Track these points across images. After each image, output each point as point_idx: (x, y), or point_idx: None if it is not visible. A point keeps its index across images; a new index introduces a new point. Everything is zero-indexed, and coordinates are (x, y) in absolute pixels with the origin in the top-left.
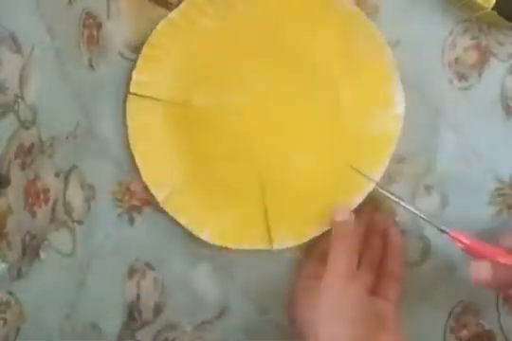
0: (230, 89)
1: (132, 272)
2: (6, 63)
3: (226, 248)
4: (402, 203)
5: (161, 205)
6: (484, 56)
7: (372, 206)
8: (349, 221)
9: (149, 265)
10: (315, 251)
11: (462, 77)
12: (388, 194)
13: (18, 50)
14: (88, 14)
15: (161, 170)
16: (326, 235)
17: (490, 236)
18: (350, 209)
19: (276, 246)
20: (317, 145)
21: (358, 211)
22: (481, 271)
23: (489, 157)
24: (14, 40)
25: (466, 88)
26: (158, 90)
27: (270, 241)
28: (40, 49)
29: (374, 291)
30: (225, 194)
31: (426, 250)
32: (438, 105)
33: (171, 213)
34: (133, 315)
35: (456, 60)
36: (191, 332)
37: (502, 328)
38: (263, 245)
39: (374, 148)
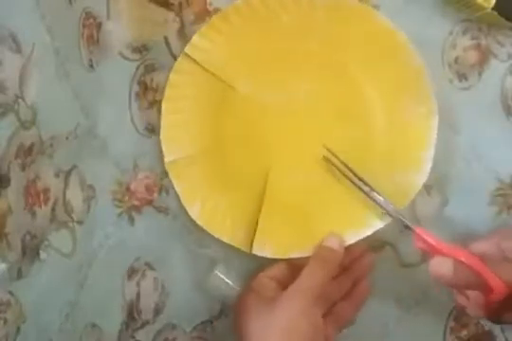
0: (268, 85)
1: (132, 272)
2: (6, 63)
3: (226, 248)
4: (373, 194)
5: (166, 166)
6: (484, 56)
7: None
8: (338, 251)
9: (149, 265)
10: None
11: (462, 77)
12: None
13: (18, 50)
14: (88, 14)
15: (179, 135)
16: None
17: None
18: (343, 241)
19: (255, 251)
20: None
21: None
22: (442, 267)
23: (489, 157)
24: (14, 40)
25: (466, 88)
26: (209, 61)
27: (251, 243)
28: (40, 49)
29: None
30: (226, 179)
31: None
32: (438, 105)
33: (170, 177)
34: (133, 315)
35: (456, 60)
36: (190, 332)
37: (502, 328)
38: (242, 245)
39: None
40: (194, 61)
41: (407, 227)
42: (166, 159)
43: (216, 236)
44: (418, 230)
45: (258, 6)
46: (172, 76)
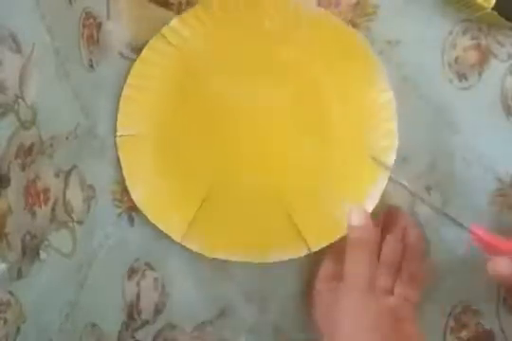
0: (238, 85)
1: (132, 272)
2: (6, 63)
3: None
4: (420, 194)
5: (116, 140)
6: (484, 56)
7: (388, 204)
8: (366, 226)
9: (149, 265)
10: (331, 251)
11: (462, 77)
12: (405, 184)
13: (18, 50)
14: (88, 14)
15: (136, 111)
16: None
17: None
18: (366, 212)
19: (183, 242)
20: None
21: (374, 209)
22: (501, 266)
23: (489, 157)
24: (14, 40)
25: (466, 88)
26: (185, 48)
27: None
28: (40, 49)
29: (393, 290)
30: (174, 165)
31: (426, 250)
32: (438, 105)
33: (118, 152)
34: (133, 315)
35: (456, 60)
36: (190, 332)
37: (502, 328)
38: (173, 233)
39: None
40: (170, 43)
41: (460, 225)
42: (118, 133)
43: (152, 221)
44: (473, 228)
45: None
46: (144, 52)
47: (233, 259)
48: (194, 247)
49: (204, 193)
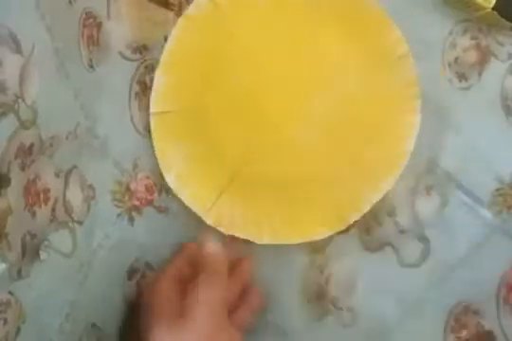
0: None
1: (132, 272)
2: (6, 63)
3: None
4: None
5: (151, 117)
6: (484, 56)
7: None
8: (220, 254)
9: (149, 265)
10: (183, 252)
11: (462, 77)
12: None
13: (18, 50)
14: (88, 14)
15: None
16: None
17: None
18: (219, 244)
19: (210, 222)
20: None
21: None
22: None
23: (489, 157)
24: (14, 40)
25: (466, 88)
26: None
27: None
28: (40, 49)
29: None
30: (205, 141)
31: (426, 250)
32: (438, 105)
33: (152, 129)
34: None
35: (456, 60)
36: None
37: (502, 328)
38: (203, 214)
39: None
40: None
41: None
42: (151, 110)
43: (185, 203)
44: None
45: None
46: (190, 9)
47: (260, 241)
48: (223, 228)
49: (230, 170)
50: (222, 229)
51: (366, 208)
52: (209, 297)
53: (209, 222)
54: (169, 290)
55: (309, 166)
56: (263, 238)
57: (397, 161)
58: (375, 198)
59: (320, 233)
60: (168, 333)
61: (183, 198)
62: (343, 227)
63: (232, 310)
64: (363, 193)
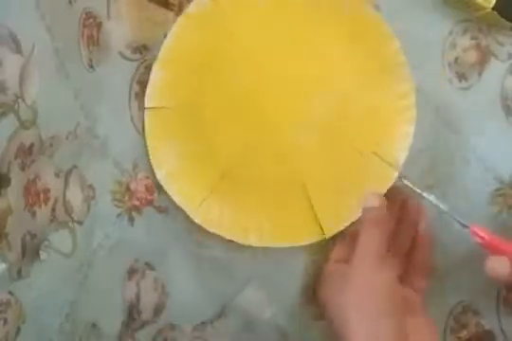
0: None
1: (132, 272)
2: (6, 63)
3: (226, 248)
4: (424, 194)
5: (145, 112)
6: (484, 56)
7: (404, 195)
8: (381, 207)
9: (149, 265)
10: (343, 236)
11: (462, 77)
12: (410, 185)
13: (18, 50)
14: (88, 14)
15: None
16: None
17: None
18: (381, 195)
19: (328, 235)
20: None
21: (391, 198)
22: (498, 265)
23: (489, 157)
24: (14, 40)
25: (465, 88)
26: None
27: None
28: (40, 49)
29: (401, 280)
30: (198, 136)
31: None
32: (438, 105)
33: (146, 125)
34: (133, 315)
35: (456, 60)
36: (190, 332)
37: (502, 328)
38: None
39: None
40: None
41: (463, 226)
42: (146, 105)
43: (174, 200)
44: (474, 228)
45: None
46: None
47: (246, 242)
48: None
49: (223, 169)
50: (209, 228)
51: (354, 218)
52: (368, 247)
53: (197, 220)
54: (333, 271)
55: (303, 169)
56: (249, 239)
57: (388, 174)
58: None
59: (305, 239)
60: (331, 289)
61: (172, 195)
62: (330, 235)
63: (403, 273)
64: (352, 203)
